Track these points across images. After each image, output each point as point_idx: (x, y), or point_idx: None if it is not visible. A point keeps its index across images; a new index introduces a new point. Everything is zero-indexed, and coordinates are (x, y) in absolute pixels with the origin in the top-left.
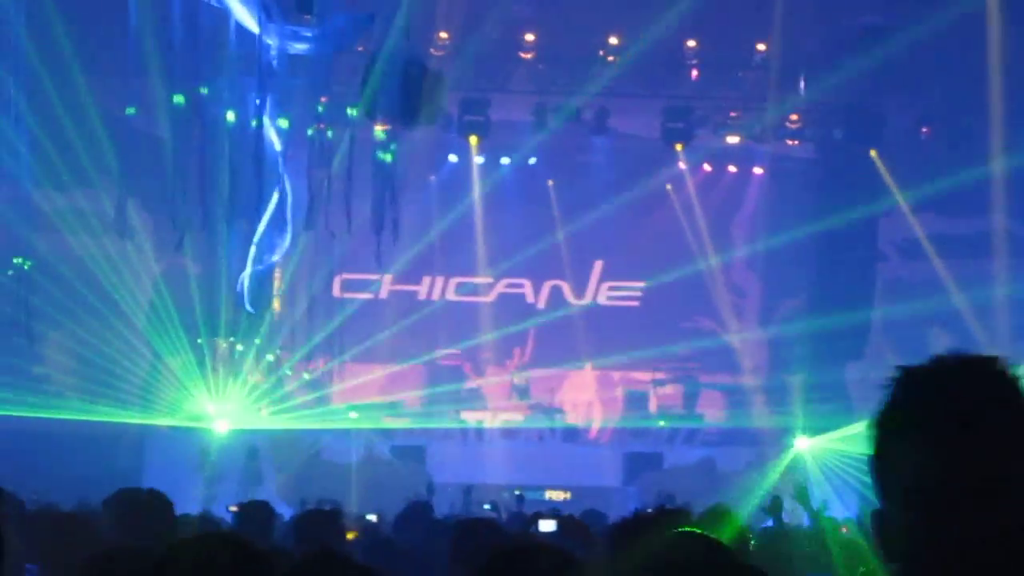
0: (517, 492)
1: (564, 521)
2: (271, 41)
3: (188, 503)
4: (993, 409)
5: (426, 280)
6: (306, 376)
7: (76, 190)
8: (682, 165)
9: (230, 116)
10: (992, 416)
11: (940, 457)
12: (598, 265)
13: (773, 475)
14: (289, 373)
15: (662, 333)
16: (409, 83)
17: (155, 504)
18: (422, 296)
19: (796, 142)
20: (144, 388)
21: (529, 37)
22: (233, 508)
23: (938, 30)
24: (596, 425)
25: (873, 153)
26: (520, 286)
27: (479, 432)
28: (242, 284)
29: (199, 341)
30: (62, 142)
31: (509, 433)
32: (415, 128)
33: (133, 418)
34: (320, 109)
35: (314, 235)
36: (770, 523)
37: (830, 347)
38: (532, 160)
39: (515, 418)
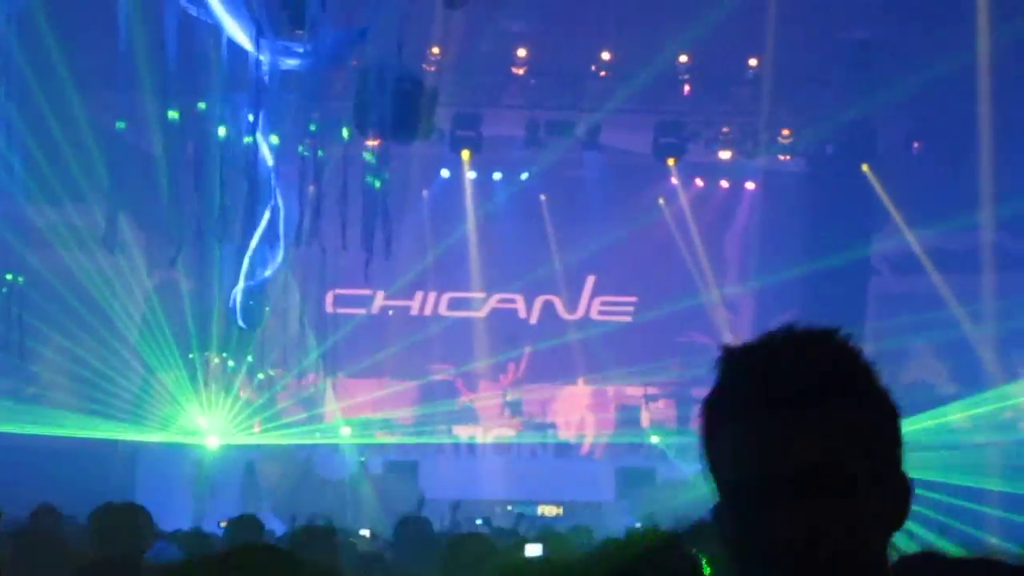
0: (509, 507)
1: (551, 544)
2: (263, 57)
3: (180, 518)
4: (820, 392)
5: (418, 295)
6: (298, 391)
7: (69, 205)
8: (674, 180)
9: (222, 131)
10: (818, 400)
11: (756, 446)
12: (590, 280)
13: None
14: (281, 388)
15: (654, 348)
16: (401, 98)
17: (136, 517)
18: (415, 311)
19: (788, 157)
20: (136, 403)
21: (521, 52)
22: (223, 523)
23: (929, 45)
24: (588, 440)
25: (865, 167)
26: (512, 301)
27: (472, 447)
28: (234, 299)
29: (191, 356)
30: (55, 157)
31: (502, 448)
32: (407, 143)
33: (126, 434)
34: (312, 125)
35: (306, 250)
36: None
37: None
38: (524, 175)
39: (507, 433)
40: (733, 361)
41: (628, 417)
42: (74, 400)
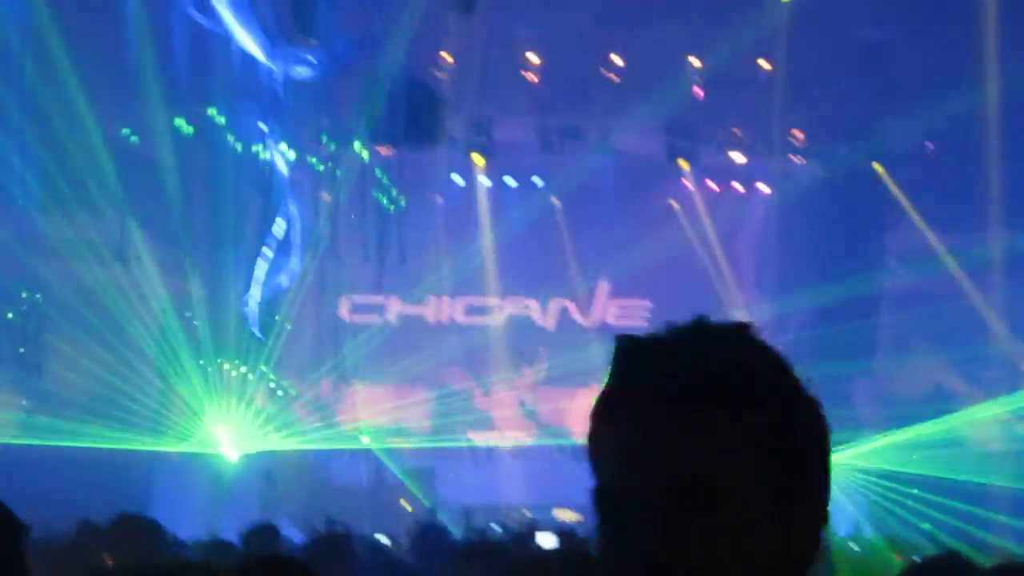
0: (527, 513)
1: (567, 538)
2: (274, 65)
3: (199, 527)
4: (712, 395)
5: (433, 302)
6: (314, 399)
7: (83, 217)
8: (687, 183)
9: (234, 141)
10: (706, 403)
11: (626, 452)
12: (605, 284)
13: None
14: (297, 396)
15: None
16: (412, 105)
17: (148, 528)
18: (429, 318)
19: (800, 159)
20: (154, 415)
21: (533, 58)
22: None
23: (941, 44)
24: None
25: (879, 167)
26: (527, 307)
27: (488, 453)
28: (250, 308)
29: (207, 366)
30: (68, 170)
31: (519, 453)
32: (419, 150)
33: (144, 445)
34: (324, 133)
35: (321, 258)
36: None
37: (837, 363)
38: (540, 182)
39: (524, 439)
40: (623, 353)
41: None
42: (92, 417)
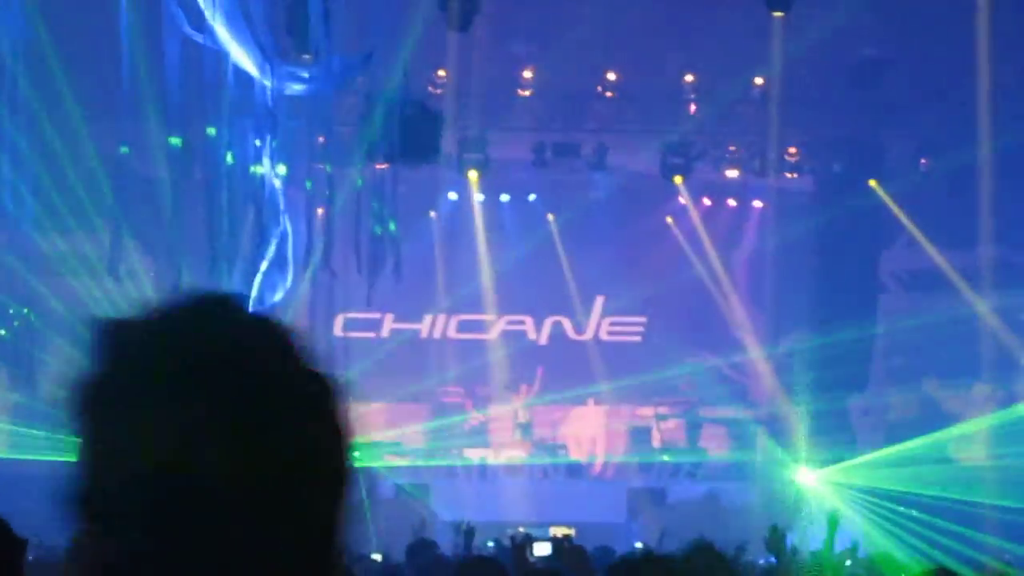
0: (521, 529)
1: (559, 546)
2: (269, 82)
3: None
4: (177, 379)
5: (428, 318)
6: None
7: (77, 232)
8: (682, 199)
9: (229, 157)
10: (172, 389)
11: (105, 448)
12: (599, 300)
13: (776, 509)
14: None
15: (664, 367)
16: (408, 122)
17: None
18: (424, 334)
19: (795, 175)
20: None
21: (527, 74)
22: None
23: (935, 61)
24: (599, 461)
25: (874, 184)
26: (521, 323)
27: (483, 469)
28: None
29: None
30: (62, 185)
31: (513, 470)
32: (415, 167)
33: None
34: (318, 149)
35: (315, 275)
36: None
37: (833, 380)
38: (532, 196)
39: (519, 455)
40: (106, 338)
41: (639, 437)
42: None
